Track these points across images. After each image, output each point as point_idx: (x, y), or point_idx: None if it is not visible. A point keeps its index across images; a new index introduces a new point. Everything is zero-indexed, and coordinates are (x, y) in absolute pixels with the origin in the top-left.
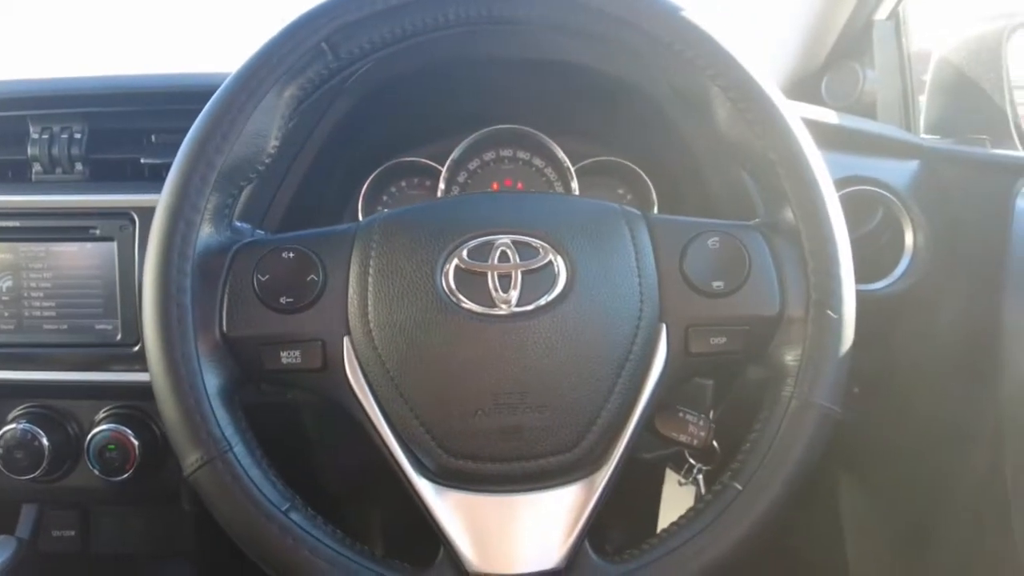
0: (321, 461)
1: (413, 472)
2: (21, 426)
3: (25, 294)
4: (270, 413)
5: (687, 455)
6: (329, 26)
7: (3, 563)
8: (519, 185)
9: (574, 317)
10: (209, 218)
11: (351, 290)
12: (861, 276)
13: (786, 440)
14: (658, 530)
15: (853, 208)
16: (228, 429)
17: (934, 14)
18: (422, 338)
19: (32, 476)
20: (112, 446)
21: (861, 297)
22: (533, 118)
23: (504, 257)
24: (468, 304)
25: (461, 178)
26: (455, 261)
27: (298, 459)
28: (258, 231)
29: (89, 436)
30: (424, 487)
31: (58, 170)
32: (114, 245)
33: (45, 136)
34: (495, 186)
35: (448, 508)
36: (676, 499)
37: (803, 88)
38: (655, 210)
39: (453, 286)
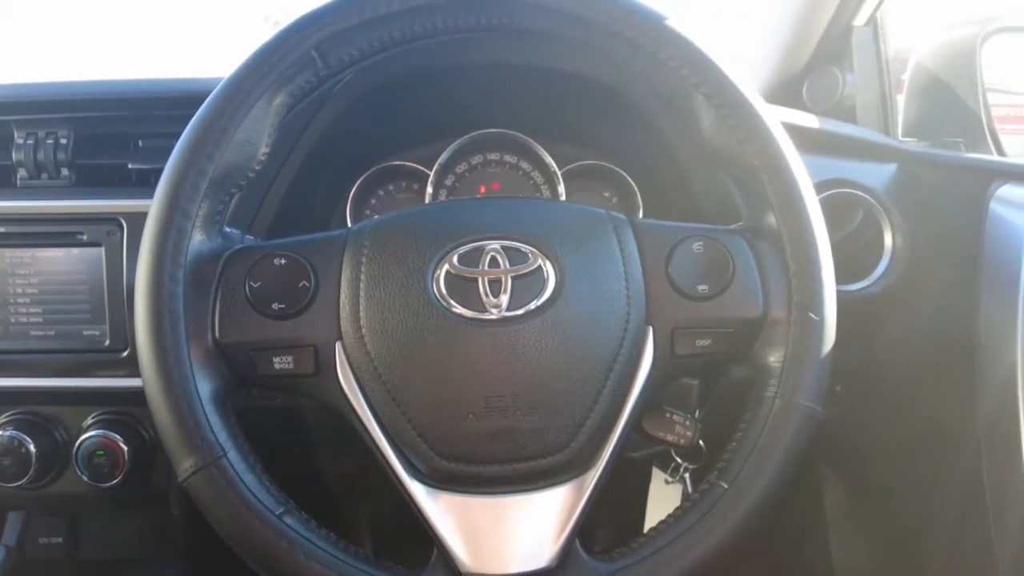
0: (312, 465)
1: (405, 475)
2: (7, 433)
3: (11, 300)
4: (260, 418)
5: (674, 454)
6: (319, 34)
7: None
8: (506, 189)
9: (563, 321)
10: (200, 225)
11: (343, 296)
12: (842, 277)
13: (770, 439)
14: (646, 528)
15: (834, 210)
16: (221, 435)
17: (912, 18)
18: (414, 343)
19: (19, 483)
20: (101, 452)
21: (842, 297)
22: (520, 122)
23: (494, 262)
24: (459, 309)
25: (448, 182)
26: (446, 267)
27: (289, 463)
28: (248, 237)
29: (77, 442)
30: (416, 489)
31: (44, 175)
32: (102, 251)
33: (30, 141)
34: (482, 190)
35: (440, 510)
36: (663, 497)
37: (785, 92)
38: (640, 214)
39: (444, 291)
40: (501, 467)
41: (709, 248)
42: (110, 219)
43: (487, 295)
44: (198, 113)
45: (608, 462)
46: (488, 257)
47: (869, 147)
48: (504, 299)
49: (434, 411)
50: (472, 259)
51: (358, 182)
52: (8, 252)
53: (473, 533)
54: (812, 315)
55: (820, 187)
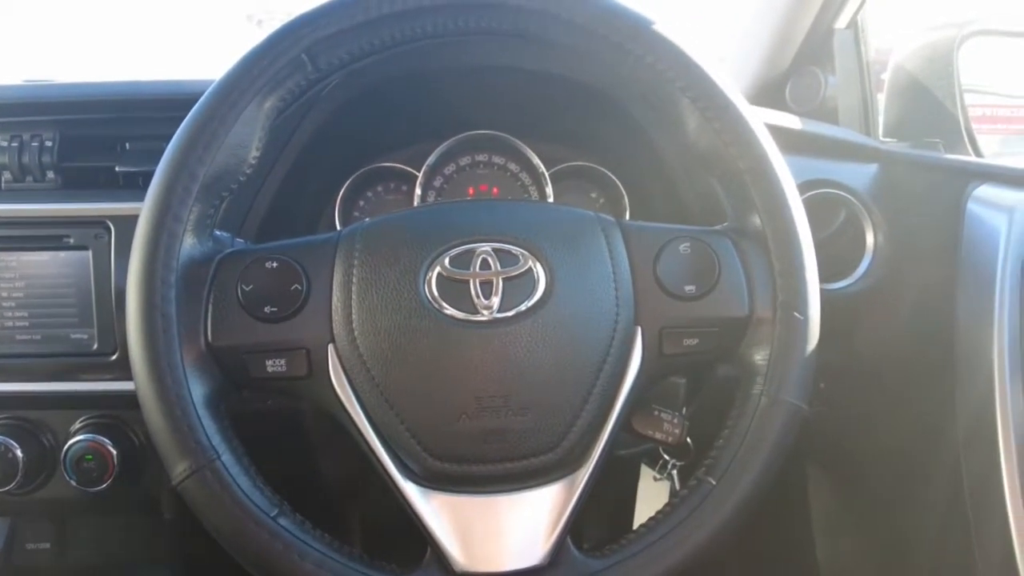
0: (302, 467)
1: (399, 475)
2: None
3: None
4: (251, 421)
5: (662, 451)
6: (309, 37)
7: None
8: (495, 190)
9: (553, 322)
10: (191, 228)
11: (335, 298)
12: (824, 276)
13: (757, 436)
14: (635, 524)
15: (817, 210)
16: (215, 438)
17: (892, 21)
18: (406, 345)
19: (6, 488)
20: (89, 456)
21: (824, 296)
22: (507, 124)
23: (485, 264)
24: (451, 311)
25: (437, 183)
26: (437, 269)
27: (279, 465)
28: (238, 240)
29: (65, 447)
30: (410, 490)
31: (29, 178)
32: (89, 254)
33: (15, 144)
34: (471, 191)
35: (434, 510)
36: (651, 494)
37: (768, 93)
38: (627, 214)
39: (436, 294)
40: (493, 467)
41: (695, 249)
42: (97, 222)
43: (478, 297)
44: (189, 116)
45: (599, 460)
46: (479, 259)
47: (851, 148)
48: (495, 301)
49: (427, 412)
50: (463, 261)
51: (346, 184)
52: None
53: (466, 532)
54: (797, 314)
55: (803, 187)
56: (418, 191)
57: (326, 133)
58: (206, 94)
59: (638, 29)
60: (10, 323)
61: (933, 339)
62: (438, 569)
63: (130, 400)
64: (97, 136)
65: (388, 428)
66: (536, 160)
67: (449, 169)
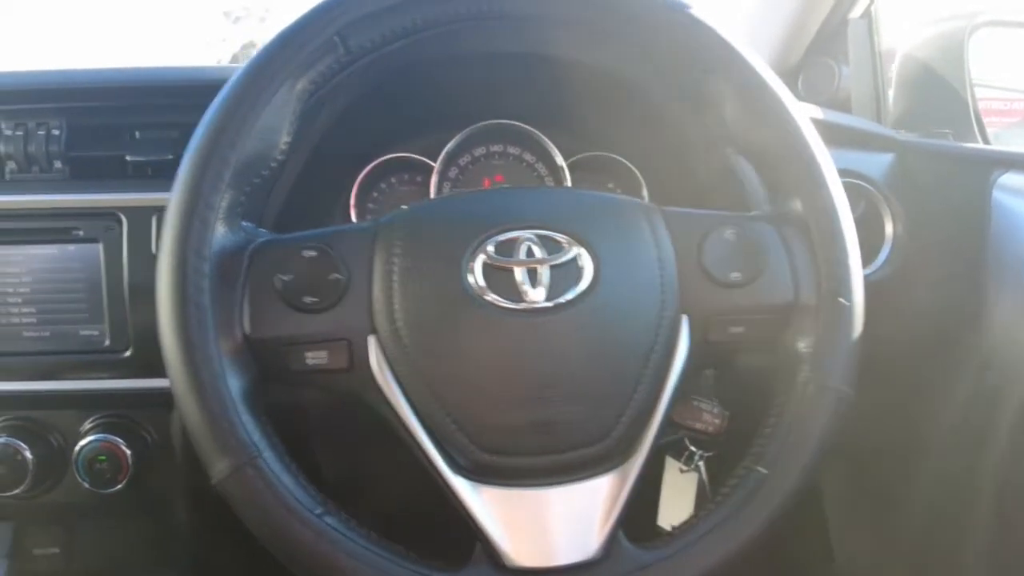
0: (339, 464)
1: (447, 469)
2: (1, 440)
3: (1, 300)
4: (284, 417)
5: (687, 443)
6: (343, 18)
7: None
8: (510, 180)
9: (601, 310)
10: (223, 217)
11: (376, 288)
12: None
13: (806, 423)
14: (659, 517)
15: None
16: (255, 434)
17: (898, 14)
18: (451, 335)
19: (15, 492)
20: (103, 457)
21: None
22: (522, 114)
23: (530, 252)
24: (496, 299)
25: (452, 174)
26: (482, 257)
27: (315, 463)
28: (260, 230)
29: (77, 447)
30: (458, 484)
31: (35, 168)
32: (100, 247)
33: (19, 133)
34: (487, 182)
35: (483, 504)
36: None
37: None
38: None
39: (481, 282)
40: (543, 459)
41: (740, 236)
42: (108, 214)
43: (525, 285)
44: (219, 98)
45: (649, 450)
46: (524, 247)
47: (868, 138)
48: (542, 289)
49: (473, 404)
50: (507, 249)
51: (362, 174)
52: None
53: (517, 526)
54: (842, 300)
55: None
56: (435, 179)
57: (345, 122)
58: (237, 74)
59: (683, 18)
60: (16, 320)
61: (953, 328)
62: (489, 565)
63: (144, 398)
64: (106, 125)
65: (434, 421)
66: (554, 150)
67: (464, 159)
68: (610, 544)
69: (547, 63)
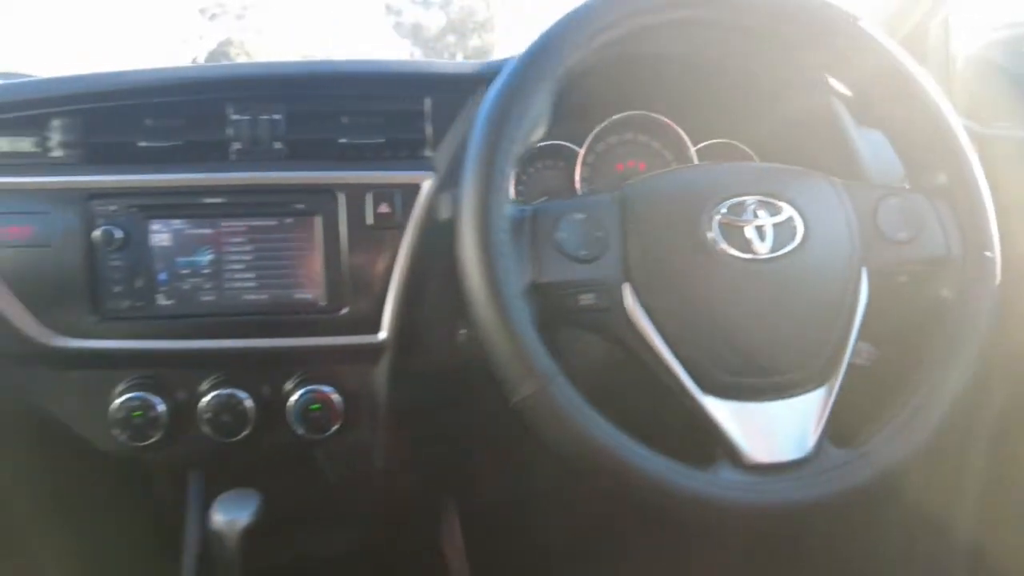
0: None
1: (696, 390)
2: (225, 391)
3: (226, 267)
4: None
5: None
6: (599, 20)
7: (251, 517)
8: (641, 165)
9: (810, 260)
10: (508, 187)
11: (629, 243)
12: None
13: (961, 342)
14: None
15: None
16: (549, 362)
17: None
18: (694, 280)
19: (239, 437)
20: (316, 405)
21: None
22: (653, 105)
23: (755, 213)
24: (732, 251)
25: (590, 159)
26: (718, 216)
27: None
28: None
29: (292, 397)
30: (706, 401)
31: (258, 149)
32: (317, 219)
33: (245, 117)
34: (619, 167)
35: (725, 416)
36: None
37: None
38: None
39: (719, 237)
40: (769, 379)
41: (903, 203)
42: (325, 190)
43: (754, 240)
44: (497, 91)
45: (845, 372)
46: (751, 208)
47: None
48: (768, 243)
49: (716, 336)
50: (737, 210)
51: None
52: (224, 222)
53: (750, 433)
54: (987, 253)
55: None
56: (579, 166)
57: None
58: (512, 69)
59: (849, 27)
60: (239, 284)
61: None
62: (731, 463)
63: (354, 352)
64: (321, 111)
65: (684, 351)
66: (686, 138)
67: (600, 147)
68: (820, 445)
69: (697, 63)
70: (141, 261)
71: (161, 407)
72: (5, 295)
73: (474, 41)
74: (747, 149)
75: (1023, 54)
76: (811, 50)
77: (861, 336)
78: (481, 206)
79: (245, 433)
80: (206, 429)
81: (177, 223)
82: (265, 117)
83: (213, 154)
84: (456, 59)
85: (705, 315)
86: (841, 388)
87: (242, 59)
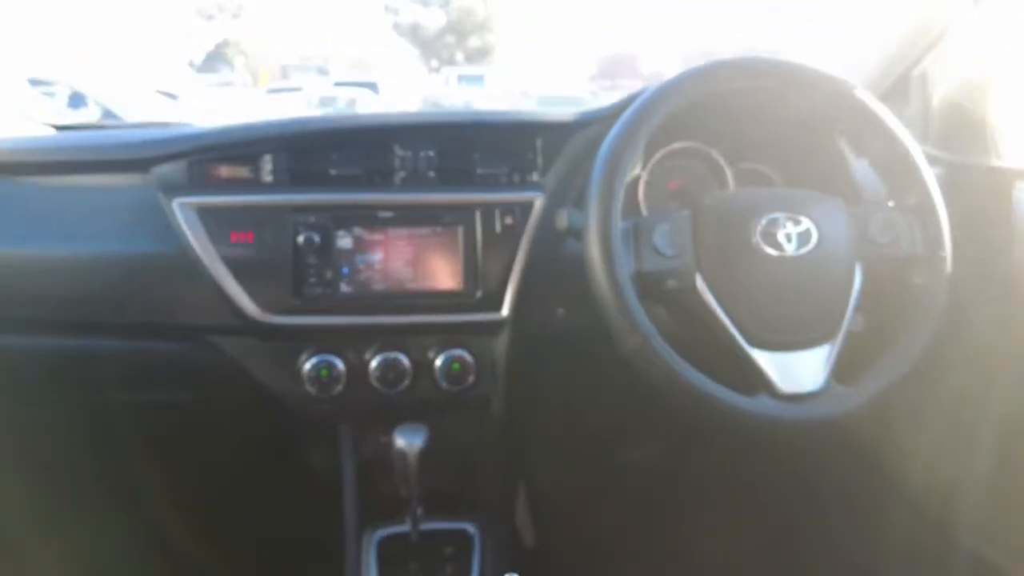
0: None
1: (744, 342)
2: (389, 354)
3: (392, 263)
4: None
5: None
6: (683, 97)
7: (423, 442)
8: (688, 184)
9: (823, 257)
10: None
11: (699, 245)
12: None
13: (924, 313)
14: None
15: None
16: (650, 325)
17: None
18: (744, 269)
19: (400, 388)
20: (456, 365)
21: None
22: (699, 136)
23: (784, 225)
24: (769, 250)
25: (649, 179)
26: (760, 227)
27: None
28: None
29: (438, 359)
30: (750, 350)
31: (417, 177)
32: (460, 228)
33: (408, 153)
34: (672, 185)
35: (763, 361)
36: None
37: None
38: None
39: (761, 241)
40: (794, 336)
41: (886, 216)
42: (466, 207)
43: (785, 242)
44: (615, 136)
45: (844, 333)
46: (782, 221)
47: (929, 158)
48: (793, 245)
49: (758, 307)
50: (772, 223)
51: None
52: (391, 230)
53: (781, 372)
54: (941, 253)
55: None
56: (642, 184)
57: None
58: (624, 122)
59: (857, 103)
60: (401, 275)
61: (989, 278)
62: (768, 392)
63: (484, 327)
64: (462, 149)
65: (737, 317)
66: (725, 163)
67: (657, 170)
68: (828, 381)
69: (735, 108)
70: (330, 259)
71: (341, 367)
72: (231, 283)
73: (473, 41)
74: (771, 173)
75: (970, 97)
76: (822, 107)
77: (856, 310)
78: (604, 221)
79: (404, 386)
80: (375, 383)
81: (357, 231)
82: (423, 153)
83: (384, 180)
84: (456, 58)
85: (751, 294)
86: (842, 344)
87: (239, 58)
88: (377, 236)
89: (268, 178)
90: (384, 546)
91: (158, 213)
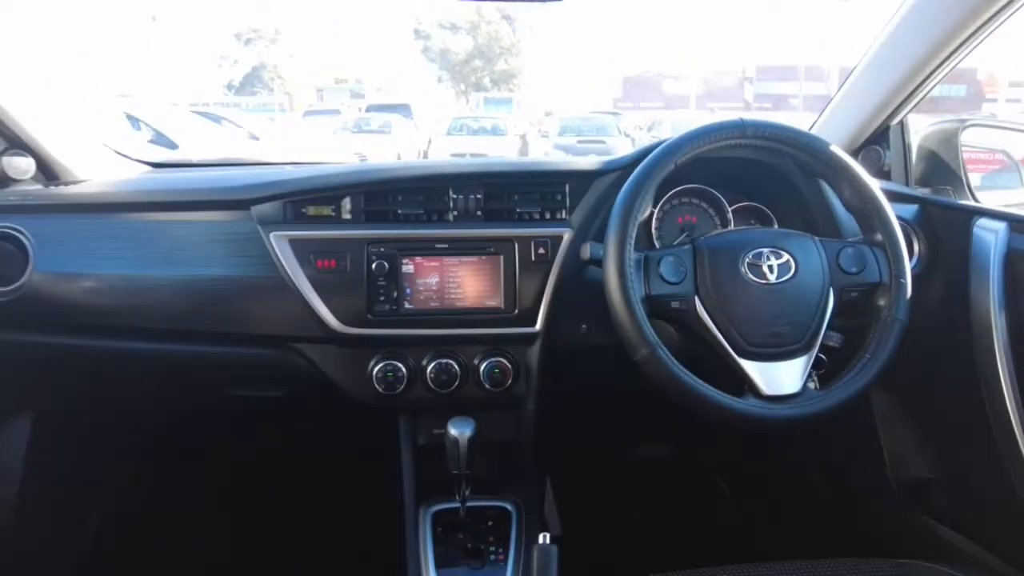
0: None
1: (733, 353)
2: (442, 360)
3: (446, 285)
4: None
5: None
6: (680, 153)
7: (472, 431)
8: (692, 219)
9: (800, 284)
10: (633, 243)
11: (698, 273)
12: None
13: (887, 334)
14: None
15: None
16: (656, 338)
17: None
18: (734, 295)
19: (449, 390)
20: (498, 370)
21: None
22: (709, 181)
23: (768, 258)
24: (754, 279)
25: (659, 215)
26: (747, 259)
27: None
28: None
29: (482, 365)
30: (739, 360)
31: (467, 215)
32: (500, 258)
33: (460, 196)
34: (680, 220)
35: (750, 367)
36: None
37: None
38: None
39: (747, 271)
40: (775, 349)
41: (855, 250)
42: (507, 240)
43: (767, 272)
44: (629, 185)
45: (818, 347)
46: (765, 255)
47: (904, 196)
48: (774, 274)
49: (744, 325)
50: (757, 257)
51: None
52: (446, 258)
53: (765, 378)
54: (903, 280)
55: None
56: (654, 220)
57: None
58: (637, 174)
59: (832, 157)
60: (453, 295)
61: (950, 307)
62: (753, 394)
63: (520, 338)
64: (502, 192)
65: (727, 333)
66: (725, 203)
67: (667, 207)
68: (804, 385)
69: (743, 160)
70: (396, 281)
71: (403, 370)
72: (316, 300)
73: (500, 65)
74: (767, 210)
75: (943, 143)
76: (803, 161)
77: (831, 328)
78: (619, 253)
79: (453, 387)
80: (431, 384)
81: (418, 259)
82: (471, 196)
83: (440, 217)
84: (483, 82)
85: (740, 314)
86: (816, 356)
87: (276, 81)
88: (434, 263)
89: (347, 216)
90: (437, 518)
91: (257, 244)
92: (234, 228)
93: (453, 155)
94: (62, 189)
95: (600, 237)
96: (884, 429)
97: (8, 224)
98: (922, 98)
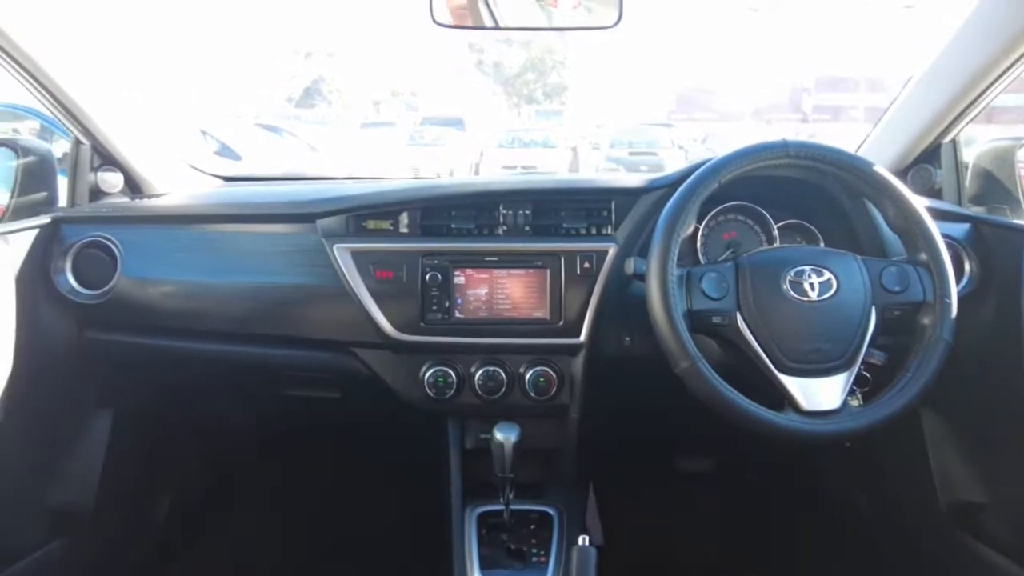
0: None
1: (774, 369)
2: (489, 367)
3: (495, 297)
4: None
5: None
6: (724, 173)
7: (516, 440)
8: (735, 234)
9: (841, 302)
10: (676, 259)
11: (740, 290)
12: None
13: (931, 353)
14: None
15: None
16: (698, 352)
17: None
18: (776, 311)
19: (495, 397)
20: (542, 379)
21: None
22: (753, 196)
23: (809, 276)
24: (796, 296)
25: (705, 230)
26: (789, 277)
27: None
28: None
29: (528, 374)
30: (779, 375)
31: (516, 230)
32: (547, 272)
33: (509, 211)
34: (725, 236)
35: (790, 384)
36: None
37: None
38: None
39: (789, 288)
40: (816, 365)
41: (898, 269)
42: (554, 254)
43: (809, 290)
44: (674, 202)
45: (862, 364)
46: (807, 273)
47: (955, 215)
48: (816, 292)
49: (786, 341)
50: (799, 274)
51: None
52: (495, 271)
53: (805, 394)
54: (947, 299)
55: None
56: (699, 236)
57: None
58: (684, 188)
59: (878, 177)
60: (502, 306)
61: (1005, 327)
62: (793, 408)
63: (564, 348)
64: (549, 209)
65: (768, 348)
66: (770, 219)
67: (712, 222)
68: (843, 402)
69: (788, 179)
70: (448, 292)
71: (453, 376)
72: (374, 308)
73: (552, 78)
74: (813, 228)
75: (999, 161)
76: (847, 181)
77: (874, 346)
78: (662, 269)
79: (500, 394)
80: (479, 390)
81: (469, 271)
82: (520, 212)
83: (490, 232)
84: (535, 95)
85: (781, 331)
86: (859, 373)
87: (334, 95)
88: (484, 275)
89: (404, 230)
90: (482, 519)
91: (322, 255)
92: (300, 240)
93: (504, 167)
94: (146, 202)
95: (644, 253)
96: (934, 451)
97: (101, 233)
98: (977, 114)
